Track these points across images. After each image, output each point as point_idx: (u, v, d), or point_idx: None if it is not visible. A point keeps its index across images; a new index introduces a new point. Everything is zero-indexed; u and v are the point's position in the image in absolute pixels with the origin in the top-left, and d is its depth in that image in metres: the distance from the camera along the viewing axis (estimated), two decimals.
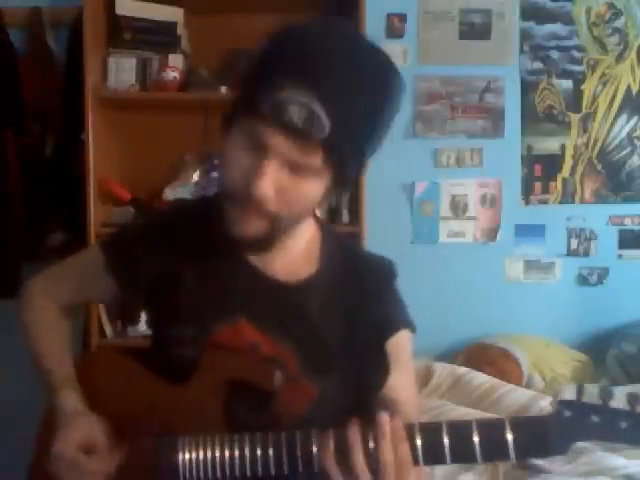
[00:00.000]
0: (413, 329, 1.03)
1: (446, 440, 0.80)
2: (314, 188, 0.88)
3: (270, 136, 0.83)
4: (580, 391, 0.79)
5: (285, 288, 0.98)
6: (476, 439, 0.80)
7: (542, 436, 0.79)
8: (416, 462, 0.81)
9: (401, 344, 1.01)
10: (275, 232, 0.90)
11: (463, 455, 0.81)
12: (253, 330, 0.96)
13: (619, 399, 0.77)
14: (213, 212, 0.96)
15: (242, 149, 0.87)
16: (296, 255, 1.00)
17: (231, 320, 0.97)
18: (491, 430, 0.80)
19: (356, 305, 0.99)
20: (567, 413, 0.79)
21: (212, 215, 0.97)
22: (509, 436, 0.79)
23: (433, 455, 0.81)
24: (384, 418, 0.82)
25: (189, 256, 1.00)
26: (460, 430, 0.81)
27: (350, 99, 0.83)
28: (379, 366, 0.99)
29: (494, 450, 0.80)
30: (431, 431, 0.82)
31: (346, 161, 0.86)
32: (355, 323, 0.98)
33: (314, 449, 0.84)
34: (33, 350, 1.08)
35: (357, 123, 0.85)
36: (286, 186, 0.86)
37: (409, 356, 1.04)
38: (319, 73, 0.81)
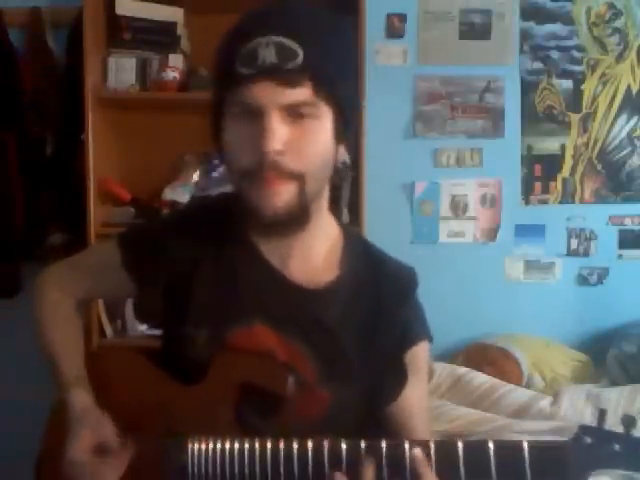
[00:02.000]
0: (431, 340, 1.02)
1: (461, 460, 0.78)
2: (320, 132, 0.87)
3: (256, 89, 0.83)
4: (602, 417, 0.77)
5: (305, 293, 0.96)
6: (492, 461, 0.78)
7: (561, 462, 0.77)
8: None
9: (419, 356, 1.00)
10: (305, 198, 0.88)
11: (478, 476, 0.79)
12: (270, 334, 0.95)
13: None
14: (232, 209, 0.95)
15: (240, 126, 0.87)
16: (317, 259, 0.98)
17: (247, 323, 0.95)
18: (509, 453, 0.78)
19: (376, 314, 0.97)
20: (588, 440, 0.76)
21: (232, 212, 0.96)
22: (527, 460, 0.77)
23: (448, 475, 0.79)
24: (418, 455, 0.80)
25: (207, 256, 0.99)
26: (476, 450, 0.79)
27: (313, 27, 0.86)
28: (396, 377, 0.98)
29: (510, 473, 0.78)
30: (446, 450, 0.80)
31: (335, 88, 0.87)
32: (374, 332, 0.97)
33: (326, 462, 0.82)
34: (45, 341, 1.06)
35: (328, 46, 0.86)
36: (294, 137, 0.85)
37: (425, 368, 1.03)
38: (279, 15, 0.86)
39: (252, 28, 0.85)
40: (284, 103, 0.84)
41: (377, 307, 0.97)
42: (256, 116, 0.85)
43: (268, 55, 0.81)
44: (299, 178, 0.87)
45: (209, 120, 0.93)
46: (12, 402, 2.41)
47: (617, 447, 0.75)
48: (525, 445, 0.77)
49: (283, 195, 0.86)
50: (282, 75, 0.82)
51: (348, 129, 0.92)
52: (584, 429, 0.77)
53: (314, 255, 0.98)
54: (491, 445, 0.78)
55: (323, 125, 0.87)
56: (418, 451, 0.80)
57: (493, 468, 0.78)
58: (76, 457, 0.91)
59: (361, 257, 1.01)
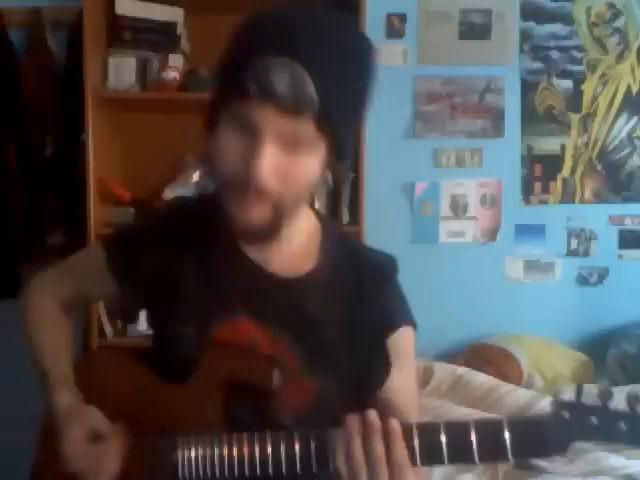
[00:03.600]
0: (415, 326, 1.02)
1: (444, 440, 0.80)
2: (311, 164, 0.88)
3: (261, 113, 0.82)
4: (579, 391, 0.78)
5: (284, 283, 0.98)
6: (474, 439, 0.79)
7: (540, 437, 0.78)
8: (414, 463, 0.80)
9: (402, 341, 1.00)
10: (279, 217, 0.89)
11: (461, 455, 0.80)
12: (253, 326, 0.96)
13: (618, 399, 0.77)
14: (212, 208, 0.96)
15: (233, 135, 0.86)
16: (295, 250, 1.00)
17: (231, 317, 0.96)
18: (489, 430, 0.80)
19: (356, 301, 0.98)
20: (566, 414, 0.78)
21: (211, 211, 0.97)
22: (507, 436, 0.78)
23: (431, 455, 0.81)
24: (372, 414, 0.81)
25: (188, 254, 1.00)
26: (458, 430, 0.80)
27: (334, 67, 0.84)
28: (380, 363, 0.98)
29: (492, 450, 0.80)
30: (428, 431, 0.81)
31: (337, 128, 0.86)
32: (355, 319, 0.97)
33: (313, 448, 0.83)
34: (31, 347, 1.07)
35: (342, 90, 0.85)
36: (284, 165, 0.85)
37: (411, 354, 1.03)
38: (302, 44, 0.82)
39: (270, 42, 0.82)
40: (283, 130, 0.83)
41: (357, 293, 0.98)
42: (253, 133, 0.84)
43: (285, 88, 0.80)
44: (278, 198, 0.88)
45: (206, 111, 0.93)
46: (12, 402, 2.41)
47: (594, 420, 0.77)
48: (505, 423, 0.79)
49: (259, 212, 0.88)
50: (288, 104, 0.81)
51: (341, 162, 0.92)
52: (562, 404, 0.79)
53: (292, 246, 0.99)
54: (472, 424, 0.80)
55: (316, 157, 0.88)
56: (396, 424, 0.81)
57: (475, 446, 0.79)
58: (72, 449, 0.91)
59: (339, 246, 1.02)
